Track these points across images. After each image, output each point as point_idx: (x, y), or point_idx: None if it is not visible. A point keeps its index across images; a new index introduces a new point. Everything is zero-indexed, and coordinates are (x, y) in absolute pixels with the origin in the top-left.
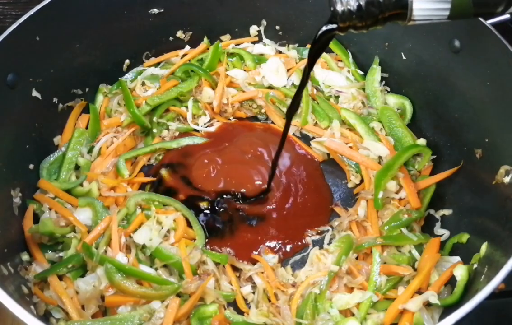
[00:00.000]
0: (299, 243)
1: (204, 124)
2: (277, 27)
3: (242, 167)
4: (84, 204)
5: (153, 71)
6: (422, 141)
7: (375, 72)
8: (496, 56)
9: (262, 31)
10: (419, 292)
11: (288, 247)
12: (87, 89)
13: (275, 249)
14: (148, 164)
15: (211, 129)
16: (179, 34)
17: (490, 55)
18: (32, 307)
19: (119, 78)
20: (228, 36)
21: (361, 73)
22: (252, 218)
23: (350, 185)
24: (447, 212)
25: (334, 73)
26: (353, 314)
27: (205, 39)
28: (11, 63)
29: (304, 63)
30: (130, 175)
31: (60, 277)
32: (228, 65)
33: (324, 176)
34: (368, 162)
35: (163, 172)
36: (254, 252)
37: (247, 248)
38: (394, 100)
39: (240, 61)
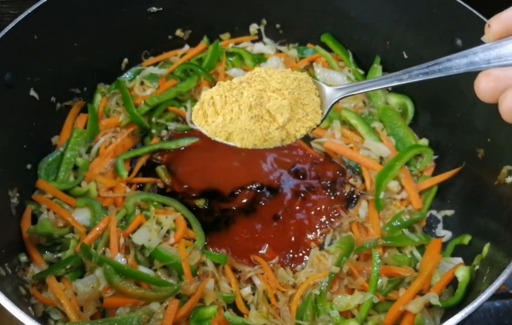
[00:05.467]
0: (304, 253)
1: None
2: (278, 26)
3: (239, 166)
4: (83, 205)
5: (152, 70)
6: (424, 141)
7: (376, 72)
8: None
9: (262, 30)
10: (421, 293)
11: (293, 256)
12: (85, 88)
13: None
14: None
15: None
16: (178, 32)
17: None
18: (30, 308)
19: (118, 77)
20: (227, 35)
21: (362, 72)
22: (254, 220)
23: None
24: (449, 212)
25: (334, 73)
26: (353, 316)
27: (205, 38)
28: (8, 62)
29: (304, 62)
30: (128, 176)
31: (59, 278)
32: (227, 64)
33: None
34: (369, 162)
35: (159, 169)
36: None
37: (247, 250)
38: (395, 100)
39: (240, 60)
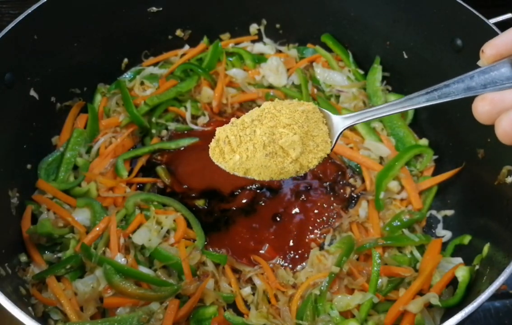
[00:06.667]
0: (304, 253)
1: (203, 125)
2: (278, 26)
3: None
4: (83, 205)
5: (152, 70)
6: (424, 141)
7: (376, 72)
8: None
9: (262, 30)
10: (421, 293)
11: (293, 256)
12: (85, 88)
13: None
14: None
15: (208, 129)
16: (178, 32)
17: None
18: (30, 308)
19: (118, 77)
20: (227, 35)
21: (362, 72)
22: (254, 220)
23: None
24: (449, 212)
25: (335, 73)
26: (353, 316)
27: (205, 38)
28: (8, 62)
29: (304, 62)
30: (128, 176)
31: (59, 278)
32: (227, 64)
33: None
34: (369, 162)
35: (159, 169)
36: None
37: (247, 250)
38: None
39: (240, 60)
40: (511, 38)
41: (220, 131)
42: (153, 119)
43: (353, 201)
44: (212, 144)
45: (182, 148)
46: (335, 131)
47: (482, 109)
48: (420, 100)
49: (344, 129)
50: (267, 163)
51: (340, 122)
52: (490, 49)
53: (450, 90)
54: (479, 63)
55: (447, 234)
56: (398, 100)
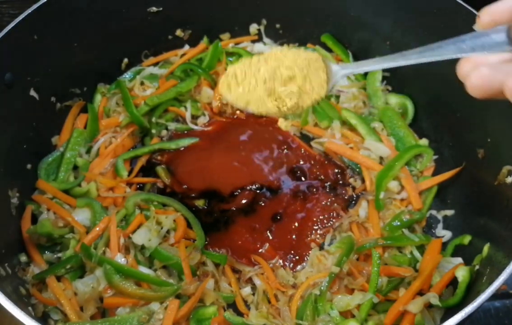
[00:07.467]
0: (304, 253)
1: (203, 125)
2: (278, 26)
3: (239, 166)
4: (83, 205)
5: (152, 70)
6: (424, 141)
7: (376, 72)
8: None
9: (262, 30)
10: (421, 293)
11: (293, 256)
12: (85, 88)
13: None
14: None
15: (208, 129)
16: (178, 32)
17: None
18: (30, 308)
19: (118, 77)
20: (227, 35)
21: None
22: (254, 220)
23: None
24: (449, 212)
25: None
26: (353, 316)
27: (205, 38)
28: (8, 62)
29: None
30: (128, 176)
31: (59, 278)
32: (227, 64)
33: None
34: (369, 162)
35: (159, 169)
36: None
37: (247, 250)
38: (395, 100)
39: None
40: (507, 7)
41: (229, 68)
42: (153, 119)
43: (353, 201)
44: (222, 79)
45: (182, 148)
46: (332, 78)
47: (464, 69)
48: (412, 56)
49: (341, 78)
50: (265, 99)
51: (338, 70)
52: (486, 16)
53: (442, 51)
54: (474, 27)
55: (447, 234)
56: (392, 55)
